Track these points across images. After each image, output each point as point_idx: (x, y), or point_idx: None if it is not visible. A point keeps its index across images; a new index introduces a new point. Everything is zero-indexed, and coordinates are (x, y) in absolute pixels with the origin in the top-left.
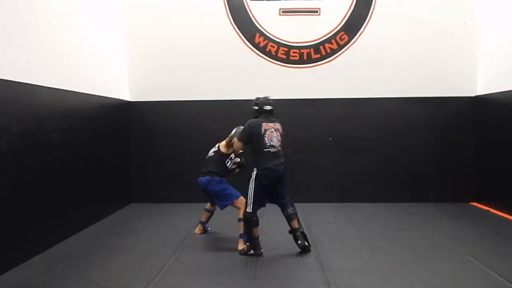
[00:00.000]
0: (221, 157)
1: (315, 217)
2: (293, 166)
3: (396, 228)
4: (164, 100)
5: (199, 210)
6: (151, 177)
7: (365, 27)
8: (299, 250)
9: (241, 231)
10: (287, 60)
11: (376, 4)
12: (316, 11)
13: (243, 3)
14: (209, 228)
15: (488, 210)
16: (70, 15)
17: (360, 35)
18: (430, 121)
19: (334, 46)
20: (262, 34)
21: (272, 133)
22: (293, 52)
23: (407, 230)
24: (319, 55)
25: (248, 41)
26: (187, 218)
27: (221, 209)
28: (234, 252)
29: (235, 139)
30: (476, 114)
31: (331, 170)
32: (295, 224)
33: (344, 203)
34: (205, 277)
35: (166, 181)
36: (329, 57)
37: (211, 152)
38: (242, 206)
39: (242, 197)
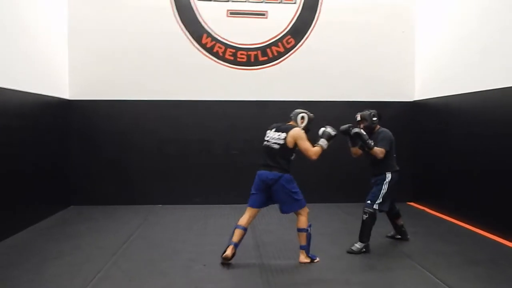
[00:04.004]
0: None
1: (260, 219)
2: (240, 168)
3: (336, 228)
4: (106, 99)
5: (143, 212)
6: (93, 178)
7: (310, 32)
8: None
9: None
10: (234, 61)
11: (321, 11)
12: (264, 14)
13: (190, 2)
14: None
15: (423, 209)
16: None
17: (306, 39)
18: None
19: (281, 49)
20: (209, 35)
21: None
22: (241, 54)
23: (346, 229)
24: (266, 58)
25: (196, 41)
26: (129, 220)
27: None
28: (175, 256)
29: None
30: (414, 118)
31: None
32: None
33: None
34: (143, 281)
35: (108, 183)
36: (276, 59)
37: None
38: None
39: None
